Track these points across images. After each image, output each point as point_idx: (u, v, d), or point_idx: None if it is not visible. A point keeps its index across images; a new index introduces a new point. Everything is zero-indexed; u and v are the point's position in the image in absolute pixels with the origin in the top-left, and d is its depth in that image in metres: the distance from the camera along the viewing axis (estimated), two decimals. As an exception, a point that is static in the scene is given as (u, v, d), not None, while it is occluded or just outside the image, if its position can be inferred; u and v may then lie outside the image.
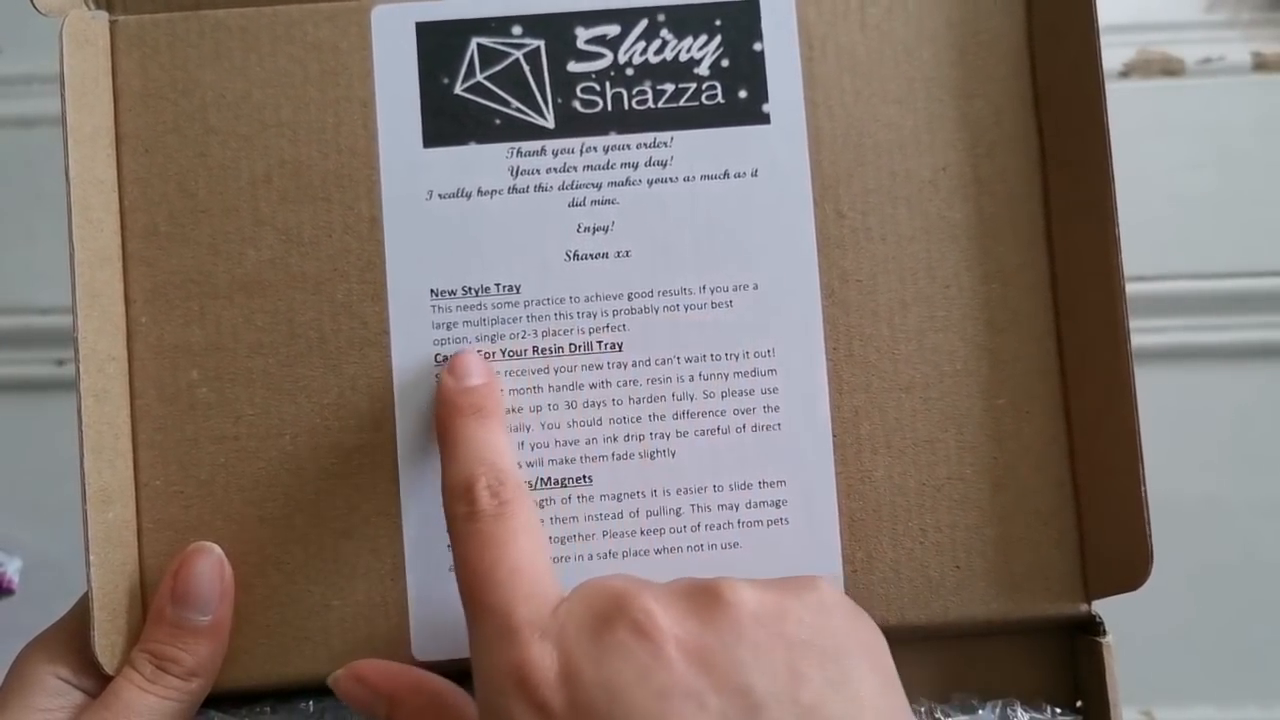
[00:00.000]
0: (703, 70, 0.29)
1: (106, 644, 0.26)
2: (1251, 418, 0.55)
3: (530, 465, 0.28)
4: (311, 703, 0.28)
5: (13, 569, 0.52)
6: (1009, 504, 0.29)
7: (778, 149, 0.29)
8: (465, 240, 0.29)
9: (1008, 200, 0.29)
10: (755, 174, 0.29)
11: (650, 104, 0.29)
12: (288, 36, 0.29)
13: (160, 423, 0.28)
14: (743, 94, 0.29)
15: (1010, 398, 0.29)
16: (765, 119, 0.29)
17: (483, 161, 0.29)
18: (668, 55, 0.29)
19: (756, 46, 0.29)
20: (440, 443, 0.26)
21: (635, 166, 0.29)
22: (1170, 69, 0.56)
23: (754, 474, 0.28)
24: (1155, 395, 0.53)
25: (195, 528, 0.28)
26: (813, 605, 0.22)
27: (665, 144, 0.29)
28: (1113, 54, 0.56)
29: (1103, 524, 0.28)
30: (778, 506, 0.28)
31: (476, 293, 0.29)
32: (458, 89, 0.29)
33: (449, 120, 0.29)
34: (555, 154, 0.29)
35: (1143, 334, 0.54)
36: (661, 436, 0.28)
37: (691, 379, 0.29)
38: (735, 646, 0.21)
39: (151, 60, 0.29)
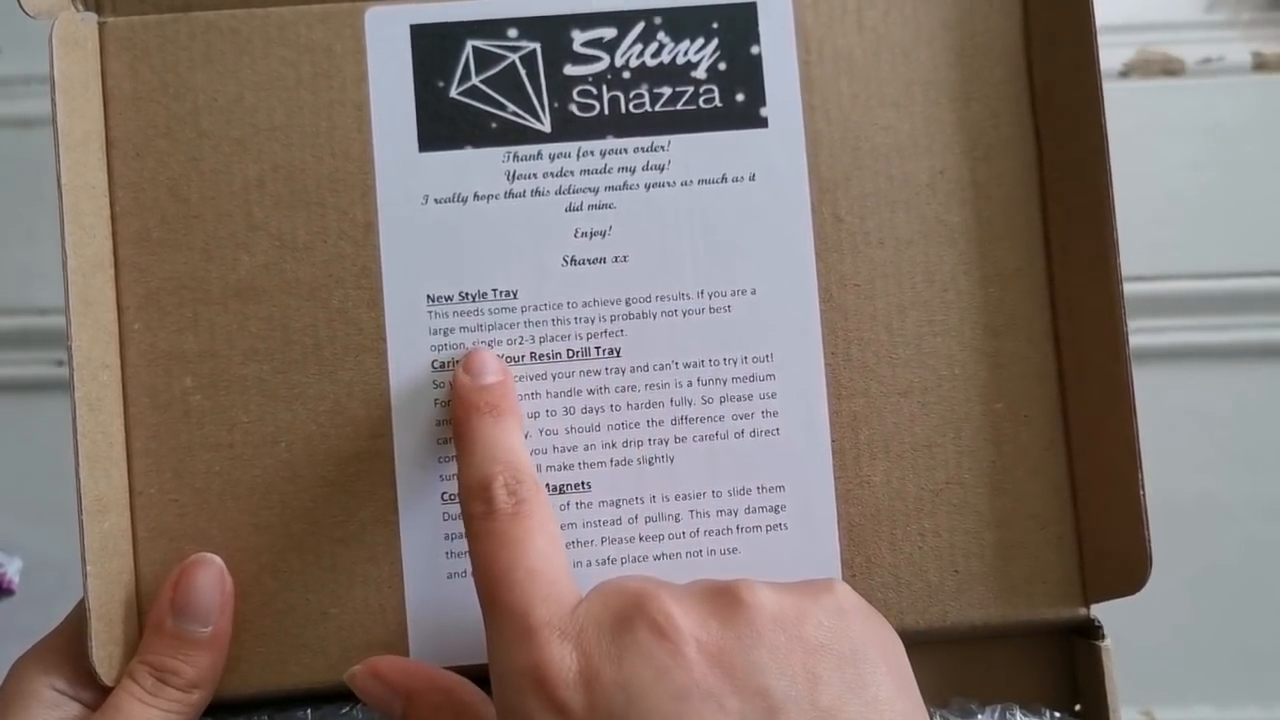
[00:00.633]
0: (700, 73, 0.30)
1: (104, 654, 0.27)
2: (1251, 418, 0.56)
3: (528, 471, 0.29)
4: (310, 710, 0.29)
5: (13, 570, 0.53)
6: (1007, 508, 0.30)
7: (775, 153, 0.30)
8: (462, 245, 0.29)
9: (1005, 203, 0.30)
10: (753, 178, 0.30)
11: (647, 107, 0.30)
12: (280, 39, 0.30)
13: (154, 430, 0.29)
14: (740, 97, 0.30)
15: (1008, 402, 0.30)
16: (763, 123, 0.30)
17: (479, 166, 0.30)
18: (665, 58, 0.30)
19: (754, 50, 0.30)
20: (456, 441, 0.27)
21: (633, 170, 0.30)
22: (1170, 69, 0.57)
23: (752, 479, 0.29)
24: (1155, 395, 0.54)
25: (190, 536, 0.29)
26: (830, 609, 0.23)
27: (663, 148, 0.30)
28: (1113, 54, 0.57)
29: (1101, 528, 0.29)
30: (776, 512, 0.29)
31: (473, 298, 0.29)
32: (453, 92, 0.30)
33: (444, 124, 0.30)
34: (552, 158, 0.30)
35: (1143, 334, 0.55)
36: (660, 442, 0.29)
37: (689, 384, 0.29)
38: (754, 649, 0.22)
39: (142, 63, 0.30)
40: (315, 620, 0.29)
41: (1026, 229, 0.30)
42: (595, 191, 0.30)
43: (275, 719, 0.29)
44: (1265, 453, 0.56)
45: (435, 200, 0.30)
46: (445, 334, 0.29)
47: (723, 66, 0.30)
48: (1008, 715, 0.29)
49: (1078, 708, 0.30)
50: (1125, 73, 0.57)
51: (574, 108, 0.30)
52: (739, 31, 0.30)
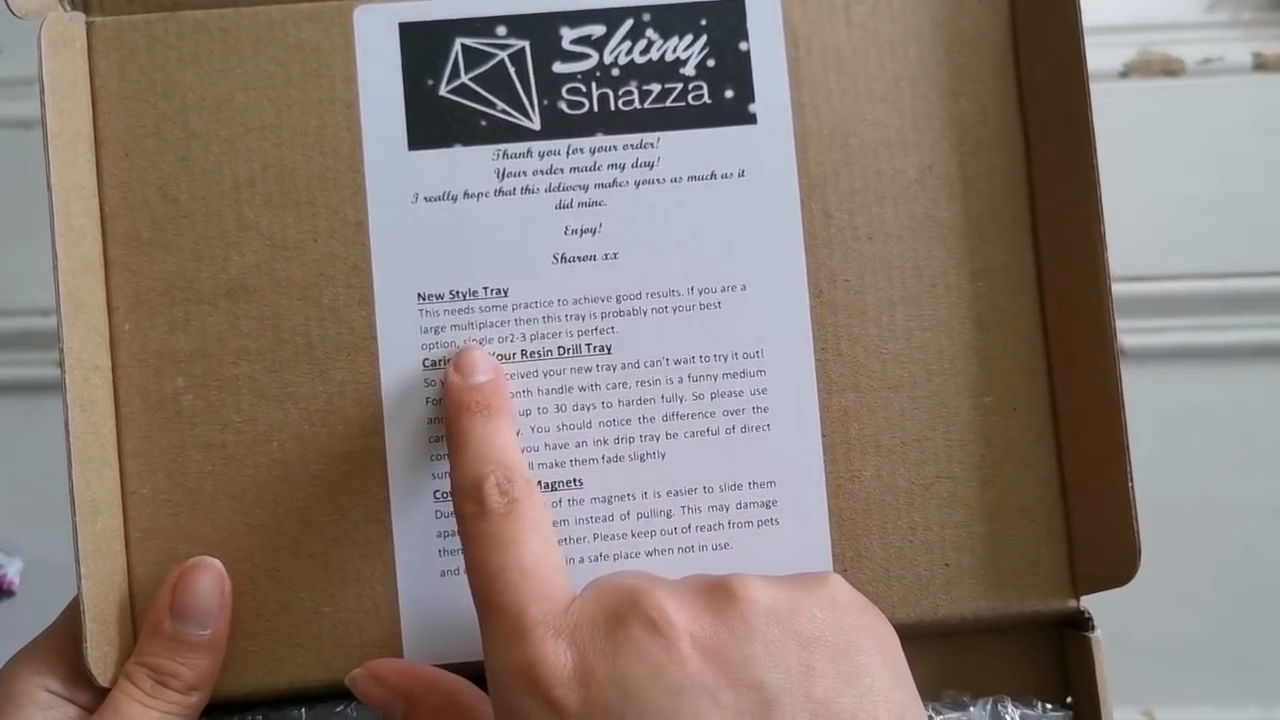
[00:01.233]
0: (689, 70, 0.31)
1: (98, 655, 0.28)
2: (1251, 418, 0.57)
3: (520, 469, 0.30)
4: (304, 710, 0.30)
5: (13, 570, 0.54)
6: (997, 501, 0.31)
7: (764, 149, 0.31)
8: (452, 243, 0.30)
9: (994, 198, 0.31)
10: (742, 174, 0.31)
11: (636, 104, 0.31)
12: (269, 37, 0.31)
13: (146, 431, 0.30)
14: (729, 94, 0.31)
15: (998, 395, 0.31)
16: (752, 119, 0.31)
17: (468, 164, 0.31)
18: (653, 55, 0.31)
19: (742, 46, 0.31)
20: (448, 441, 0.28)
21: (622, 168, 0.31)
22: (1170, 69, 0.58)
23: (744, 475, 0.30)
24: (1155, 395, 0.56)
25: (183, 536, 0.30)
26: (824, 601, 0.24)
27: (652, 145, 0.31)
28: (1113, 54, 0.58)
29: (1091, 520, 0.30)
30: (768, 507, 0.30)
31: (464, 296, 0.30)
32: (442, 90, 0.31)
33: (434, 122, 0.31)
34: (541, 156, 0.31)
35: (1143, 334, 0.56)
36: (651, 438, 0.30)
37: (680, 380, 0.30)
38: (748, 642, 0.23)
39: (130, 62, 0.31)
40: (309, 619, 0.30)
41: (1015, 224, 0.31)
42: (585, 189, 0.31)
43: (270, 719, 0.30)
44: (1265, 453, 0.57)
45: (425, 199, 0.31)
46: (436, 332, 0.30)
47: (711, 63, 0.31)
48: (1000, 708, 0.30)
49: (1069, 700, 0.31)
50: (1125, 73, 0.59)
51: (563, 105, 0.31)
52: (727, 28, 0.31)
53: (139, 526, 0.30)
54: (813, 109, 0.31)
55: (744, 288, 0.31)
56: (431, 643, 0.30)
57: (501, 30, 0.31)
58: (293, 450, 0.30)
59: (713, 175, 0.31)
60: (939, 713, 0.30)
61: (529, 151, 0.31)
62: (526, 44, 0.31)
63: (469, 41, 0.31)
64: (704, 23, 0.31)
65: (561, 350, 0.30)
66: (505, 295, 0.30)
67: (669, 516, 0.30)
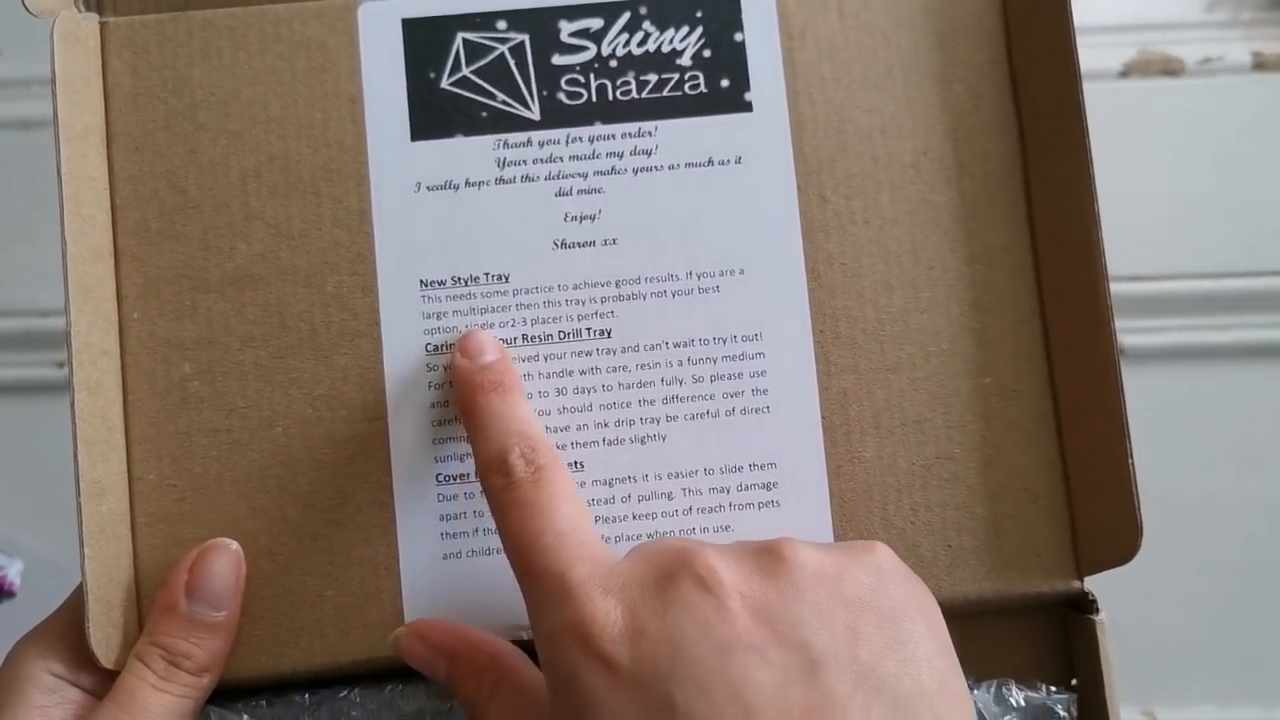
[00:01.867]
0: (685, 61, 0.31)
1: (101, 637, 0.27)
2: (1251, 418, 0.56)
3: (522, 452, 0.29)
4: (307, 695, 0.29)
5: (14, 571, 0.53)
6: (998, 482, 0.30)
7: (760, 136, 0.31)
8: (454, 231, 0.30)
9: (989, 182, 0.31)
10: (739, 161, 0.30)
11: (634, 94, 0.31)
12: (275, 35, 0.31)
13: (153, 417, 0.29)
14: (725, 83, 0.31)
15: (996, 376, 0.30)
16: (748, 107, 0.31)
17: (470, 153, 0.30)
18: (650, 46, 0.31)
19: (737, 37, 0.31)
20: (466, 422, 0.27)
21: (620, 156, 0.30)
22: (1170, 69, 0.58)
23: (744, 457, 0.30)
24: (1155, 395, 0.55)
25: (189, 521, 0.29)
26: (870, 567, 0.24)
27: (650, 133, 0.31)
28: (1113, 54, 0.58)
29: (1092, 499, 0.29)
30: (768, 489, 0.30)
31: (466, 282, 0.30)
32: (444, 83, 0.31)
33: (436, 114, 0.31)
34: (541, 145, 0.30)
35: (1143, 334, 0.56)
36: (652, 421, 0.30)
37: (680, 364, 0.30)
38: (796, 603, 0.22)
39: (141, 60, 0.31)
40: (312, 603, 0.29)
41: (1010, 207, 0.31)
42: (584, 177, 0.30)
43: (274, 704, 0.29)
44: (1265, 453, 0.56)
45: (428, 188, 0.30)
46: (438, 318, 0.30)
47: (707, 54, 0.31)
48: (1004, 691, 0.30)
49: (1074, 682, 0.30)
50: (1125, 73, 0.58)
51: (562, 96, 0.31)
52: (723, 19, 0.31)
53: (145, 512, 0.29)
54: (807, 96, 0.31)
55: (742, 272, 0.30)
56: (434, 625, 0.29)
57: (502, 24, 0.31)
58: (297, 435, 0.29)
59: (710, 162, 0.30)
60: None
61: (529, 141, 0.30)
62: (526, 37, 0.31)
63: (470, 35, 0.31)
64: (700, 14, 0.31)
65: (562, 335, 0.30)
66: (506, 281, 0.30)
67: (670, 498, 0.29)
